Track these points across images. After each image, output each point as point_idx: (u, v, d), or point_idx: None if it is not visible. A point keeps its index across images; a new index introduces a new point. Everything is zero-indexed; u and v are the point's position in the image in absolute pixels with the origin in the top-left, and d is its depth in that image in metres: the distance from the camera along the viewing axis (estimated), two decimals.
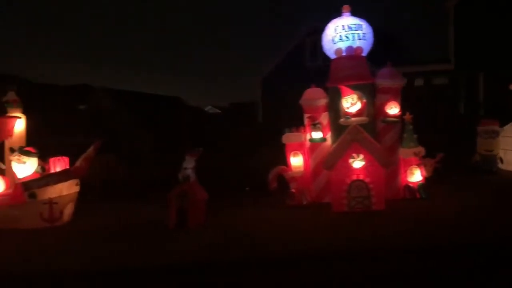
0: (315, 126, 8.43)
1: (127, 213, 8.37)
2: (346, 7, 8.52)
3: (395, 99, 8.46)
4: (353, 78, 8.22)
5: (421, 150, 8.37)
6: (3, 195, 7.46)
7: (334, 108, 8.40)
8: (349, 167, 7.66)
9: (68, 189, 7.60)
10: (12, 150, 7.50)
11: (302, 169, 8.50)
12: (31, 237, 6.81)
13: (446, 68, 19.82)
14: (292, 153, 8.51)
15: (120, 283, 5.09)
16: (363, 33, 8.31)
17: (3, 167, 7.87)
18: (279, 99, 21.19)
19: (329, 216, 7.50)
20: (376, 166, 7.62)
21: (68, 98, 18.22)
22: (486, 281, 4.62)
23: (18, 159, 7.38)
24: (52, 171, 7.60)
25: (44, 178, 7.42)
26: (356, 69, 8.29)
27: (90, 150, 7.83)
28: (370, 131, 8.05)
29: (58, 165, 7.66)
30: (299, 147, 8.54)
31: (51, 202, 7.37)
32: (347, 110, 8.05)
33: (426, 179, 8.48)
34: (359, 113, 8.02)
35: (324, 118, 8.60)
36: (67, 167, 7.73)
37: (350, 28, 8.26)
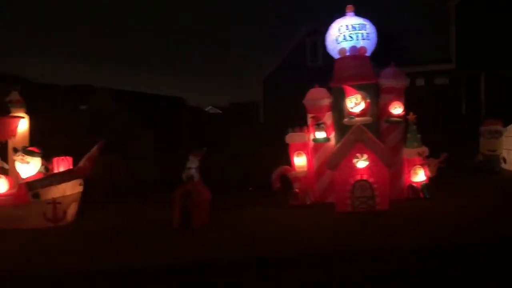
0: (318, 126, 8.43)
1: (129, 213, 8.38)
2: (349, 7, 8.52)
3: (398, 99, 8.46)
4: (357, 78, 8.22)
5: (424, 150, 8.37)
6: (6, 195, 7.46)
7: (338, 108, 8.40)
8: (353, 167, 7.66)
9: (71, 189, 7.60)
10: (15, 150, 7.49)
11: (305, 169, 8.50)
12: (34, 237, 6.80)
13: (447, 68, 19.80)
14: (296, 153, 8.51)
15: (120, 283, 5.09)
16: (367, 33, 8.31)
17: (7, 167, 7.86)
18: (280, 99, 21.19)
19: (333, 216, 7.50)
20: (380, 166, 7.61)
21: (69, 98, 18.20)
22: (486, 281, 4.61)
23: (22, 159, 7.38)
24: (55, 171, 7.61)
25: (47, 178, 7.42)
26: (360, 69, 8.29)
27: (94, 150, 7.82)
28: (374, 131, 8.04)
29: (61, 165, 7.66)
30: (303, 147, 8.54)
31: (54, 202, 7.37)
32: (351, 110, 8.04)
33: (430, 179, 8.47)
34: (363, 113, 8.01)
35: (328, 118, 8.60)
36: (71, 167, 7.73)
37: (354, 28, 8.27)
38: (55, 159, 7.66)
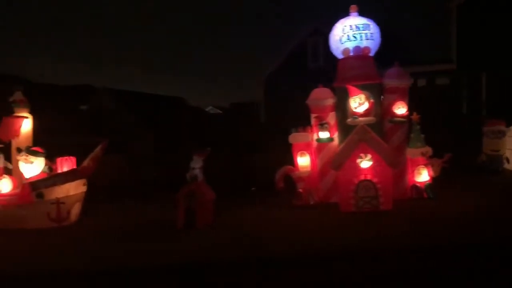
0: (322, 126, 8.42)
1: (132, 213, 8.38)
2: (353, 7, 8.52)
3: (402, 99, 8.45)
4: (360, 78, 8.22)
5: (428, 150, 8.37)
6: (10, 195, 7.46)
7: (342, 108, 8.40)
8: (356, 167, 7.65)
9: (75, 189, 7.60)
10: (19, 150, 7.49)
11: (309, 169, 8.49)
12: (38, 237, 6.81)
13: (448, 68, 19.79)
14: (299, 153, 8.50)
15: (120, 283, 5.09)
16: (371, 33, 8.30)
17: (10, 167, 7.85)
18: (281, 99, 21.16)
19: (336, 216, 7.49)
20: (384, 166, 7.61)
21: (70, 98, 18.20)
22: (486, 281, 4.61)
23: (26, 159, 7.38)
24: (59, 171, 7.60)
25: (51, 178, 7.42)
26: (364, 69, 8.29)
27: (97, 150, 7.82)
28: (378, 131, 8.05)
29: (65, 165, 7.65)
30: (306, 147, 8.53)
31: (58, 202, 7.37)
32: (354, 110, 8.04)
33: (433, 179, 8.47)
34: (366, 113, 8.02)
35: (331, 118, 8.59)
36: (74, 167, 7.72)
37: (357, 28, 8.26)
38: (58, 159, 7.66)
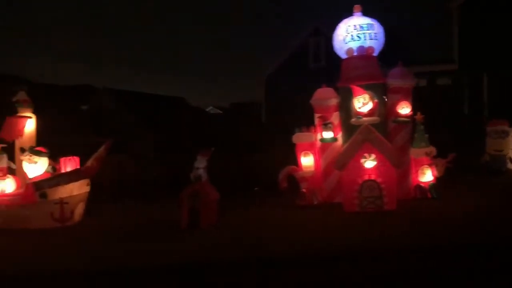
0: (326, 126, 8.41)
1: (136, 213, 8.38)
2: (357, 6, 8.52)
3: (406, 99, 8.45)
4: (364, 78, 8.21)
5: (432, 150, 8.35)
6: (14, 195, 7.44)
7: (345, 108, 8.39)
8: (360, 167, 7.64)
9: (79, 189, 7.58)
10: (22, 150, 7.47)
11: (312, 169, 8.47)
12: (41, 237, 6.79)
13: (450, 69, 19.77)
14: (303, 153, 8.48)
15: (120, 283, 5.07)
16: (375, 33, 8.30)
17: (14, 167, 7.83)
18: (282, 99, 21.16)
19: (340, 216, 7.48)
20: (388, 166, 7.60)
21: (72, 98, 18.20)
22: (486, 281, 4.59)
23: (29, 159, 7.36)
24: (63, 171, 7.58)
25: (55, 178, 7.40)
26: (368, 69, 8.29)
27: (101, 150, 7.80)
28: (381, 131, 8.04)
29: (69, 165, 7.63)
30: (310, 147, 8.51)
31: (62, 202, 7.35)
32: (358, 110, 8.03)
33: (437, 179, 8.45)
34: (370, 113, 8.00)
35: (335, 118, 8.58)
36: (78, 167, 7.70)
37: (361, 27, 8.26)
38: (62, 159, 7.64)
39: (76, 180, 7.52)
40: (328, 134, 8.45)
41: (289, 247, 5.78)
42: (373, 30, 8.30)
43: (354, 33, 8.29)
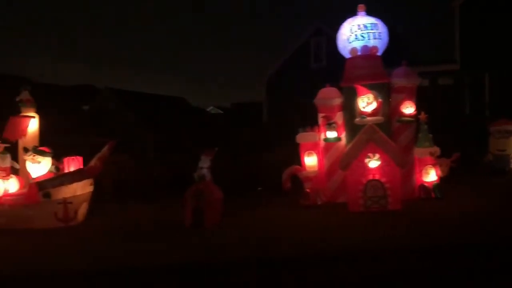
0: (330, 126, 8.40)
1: (138, 213, 8.36)
2: (361, 6, 8.50)
3: (410, 99, 8.43)
4: (368, 78, 8.20)
5: (436, 150, 8.35)
6: (17, 194, 7.41)
7: (349, 107, 8.37)
8: (365, 167, 7.62)
9: (82, 189, 7.55)
10: (25, 150, 7.45)
11: (316, 168, 8.46)
12: (45, 237, 6.76)
13: (451, 69, 19.76)
14: (307, 152, 8.46)
15: (120, 283, 5.05)
16: (379, 32, 8.29)
17: (17, 166, 7.81)
18: (284, 99, 21.15)
19: (344, 216, 7.47)
20: (392, 166, 7.58)
21: (73, 98, 18.22)
22: (486, 281, 4.58)
23: (33, 159, 7.34)
24: (66, 170, 7.56)
25: (58, 178, 7.38)
26: (372, 68, 8.28)
27: (105, 150, 7.78)
28: (386, 130, 8.00)
29: (72, 164, 7.60)
30: (314, 147, 8.50)
31: (65, 202, 7.32)
32: (362, 109, 8.01)
33: (441, 179, 8.44)
34: (374, 113, 7.98)
35: (339, 118, 8.57)
36: (81, 166, 7.68)
37: (365, 27, 8.24)
38: (65, 159, 7.61)
39: (80, 180, 7.49)
40: (332, 134, 8.43)
41: (293, 247, 5.75)
42: (377, 29, 8.28)
43: (358, 33, 8.27)
